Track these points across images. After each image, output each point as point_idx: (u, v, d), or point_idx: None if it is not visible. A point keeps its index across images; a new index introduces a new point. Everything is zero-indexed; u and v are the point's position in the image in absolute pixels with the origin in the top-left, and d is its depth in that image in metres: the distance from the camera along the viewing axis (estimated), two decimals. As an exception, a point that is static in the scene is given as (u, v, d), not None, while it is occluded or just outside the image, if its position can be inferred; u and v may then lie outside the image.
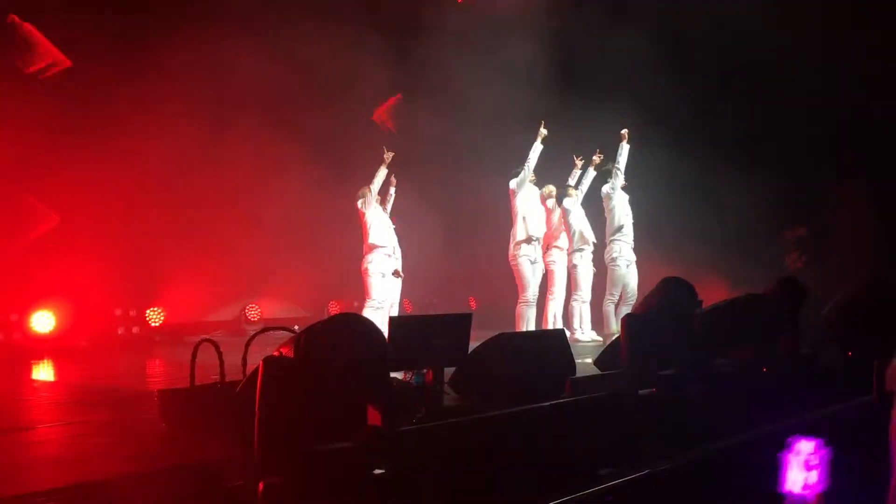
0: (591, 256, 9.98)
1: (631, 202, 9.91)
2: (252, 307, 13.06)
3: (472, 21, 11.73)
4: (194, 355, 4.44)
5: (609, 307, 9.62)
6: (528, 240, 9.42)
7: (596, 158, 10.14)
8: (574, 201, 10.00)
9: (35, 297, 10.39)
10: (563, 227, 10.05)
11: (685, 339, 5.23)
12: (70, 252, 10.01)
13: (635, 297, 9.54)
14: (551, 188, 10.26)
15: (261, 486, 3.09)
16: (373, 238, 9.32)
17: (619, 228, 9.64)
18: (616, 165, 9.65)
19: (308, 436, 3.35)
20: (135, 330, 11.65)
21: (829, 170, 10.59)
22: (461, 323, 4.74)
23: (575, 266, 9.90)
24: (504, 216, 9.95)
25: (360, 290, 9.75)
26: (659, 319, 5.30)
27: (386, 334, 4.06)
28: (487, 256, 10.88)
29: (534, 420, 4.42)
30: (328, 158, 11.97)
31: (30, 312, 10.40)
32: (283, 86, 11.37)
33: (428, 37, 11.53)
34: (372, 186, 9.30)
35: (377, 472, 3.30)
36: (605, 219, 9.96)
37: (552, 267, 10.07)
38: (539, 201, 9.74)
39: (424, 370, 4.56)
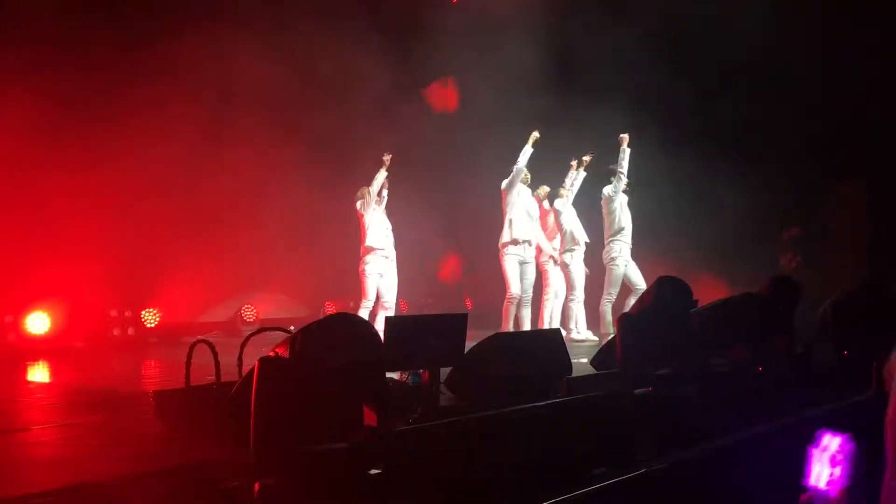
0: (582, 256, 10.01)
1: (630, 203, 9.92)
2: (248, 308, 13.05)
3: (472, 21, 11.73)
4: (190, 356, 4.44)
5: (606, 307, 9.63)
6: (515, 242, 9.43)
7: (586, 159, 10.15)
8: (564, 202, 10.03)
9: (30, 298, 10.36)
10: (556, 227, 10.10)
11: (680, 338, 5.24)
12: (65, 253, 9.99)
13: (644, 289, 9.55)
14: (546, 189, 10.29)
15: (257, 486, 3.09)
16: (369, 240, 9.37)
17: (620, 230, 9.66)
18: (619, 170, 9.65)
19: (304, 436, 3.35)
20: (130, 331, 11.62)
21: (826, 170, 10.60)
22: (457, 323, 4.75)
23: (566, 266, 9.93)
24: (500, 216, 9.95)
25: (356, 291, 9.75)
26: (654, 319, 5.31)
27: (382, 334, 4.06)
28: (484, 257, 10.88)
29: (530, 420, 4.42)
30: (325, 159, 11.97)
31: (25, 313, 10.37)
32: (281, 87, 11.38)
33: (427, 37, 11.52)
34: (371, 188, 9.34)
35: (373, 472, 3.29)
36: (600, 219, 9.97)
37: (546, 267, 10.11)
38: (532, 203, 9.73)
39: (421, 370, 4.56)
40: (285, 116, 11.73)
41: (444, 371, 4.83)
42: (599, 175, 10.08)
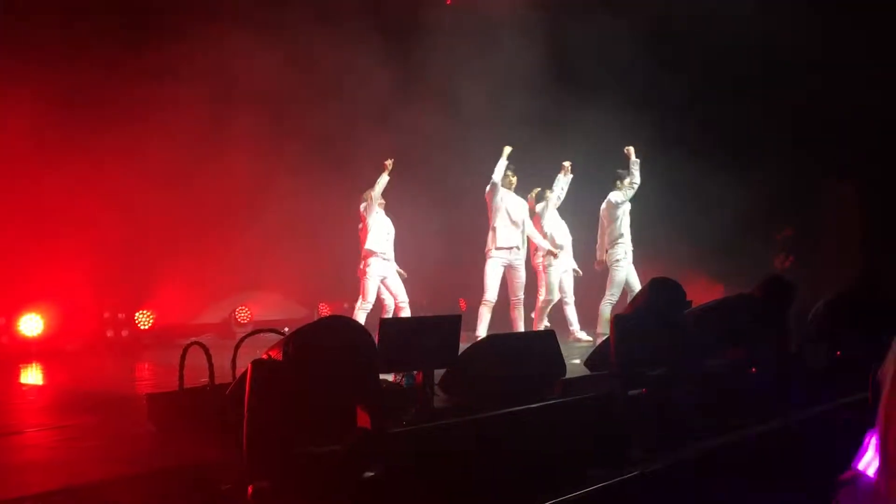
0: (565, 260, 10.03)
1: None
2: (242, 309, 13.03)
3: (471, 22, 11.73)
4: (183, 358, 4.43)
5: (606, 307, 9.63)
6: (499, 249, 9.49)
7: (566, 165, 10.15)
8: (544, 206, 10.09)
9: (23, 299, 10.33)
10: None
11: (674, 339, 5.25)
12: (58, 254, 9.96)
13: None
14: (537, 190, 10.34)
15: (250, 489, 3.09)
16: (368, 244, 9.50)
17: (622, 235, 9.72)
18: (633, 181, 9.70)
19: (297, 438, 3.35)
20: (124, 333, 11.58)
21: (820, 170, 10.62)
22: (451, 324, 4.75)
23: (546, 268, 9.97)
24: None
25: (351, 292, 9.77)
26: (648, 320, 5.32)
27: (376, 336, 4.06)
28: (480, 258, 10.87)
29: (524, 421, 4.43)
30: (318, 161, 11.95)
31: (18, 315, 10.34)
32: (277, 88, 11.35)
33: (427, 37, 11.52)
34: (373, 193, 9.46)
35: (367, 474, 3.29)
36: (596, 221, 10.02)
37: (541, 268, 10.14)
38: (518, 208, 9.71)
39: (414, 372, 4.56)
40: (280, 118, 11.71)
41: (438, 373, 4.83)
42: (599, 179, 10.14)
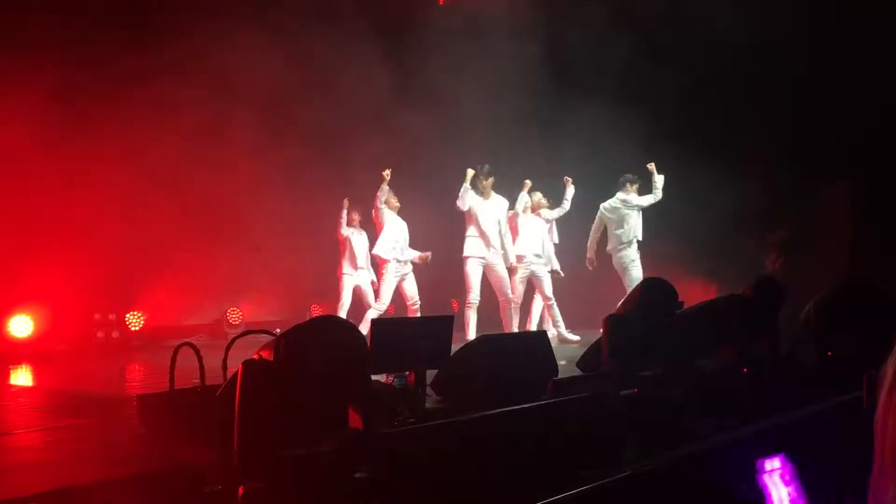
0: (527, 265, 10.03)
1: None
2: (233, 310, 13.00)
3: (471, 22, 11.72)
4: (174, 359, 4.41)
5: None
6: (470, 256, 9.56)
7: (569, 179, 10.27)
8: (524, 207, 10.17)
9: (13, 300, 10.30)
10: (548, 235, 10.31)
11: (666, 339, 5.26)
12: (48, 255, 9.92)
13: None
14: (538, 196, 10.38)
15: (241, 490, 3.07)
16: (375, 249, 9.83)
17: (636, 237, 9.85)
18: (656, 196, 9.84)
19: (289, 439, 3.34)
20: (114, 334, 11.56)
21: (811, 171, 10.63)
22: (443, 325, 4.75)
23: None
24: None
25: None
26: (640, 320, 5.33)
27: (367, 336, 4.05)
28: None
29: (516, 422, 4.43)
30: (311, 162, 11.95)
31: (7, 316, 10.31)
32: (271, 90, 11.34)
33: (427, 38, 11.52)
34: (377, 203, 9.78)
35: (359, 475, 3.28)
36: (588, 221, 10.08)
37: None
38: (492, 216, 9.72)
39: (406, 372, 4.55)
40: (274, 120, 11.69)
41: (430, 373, 4.83)
42: (592, 178, 10.18)
